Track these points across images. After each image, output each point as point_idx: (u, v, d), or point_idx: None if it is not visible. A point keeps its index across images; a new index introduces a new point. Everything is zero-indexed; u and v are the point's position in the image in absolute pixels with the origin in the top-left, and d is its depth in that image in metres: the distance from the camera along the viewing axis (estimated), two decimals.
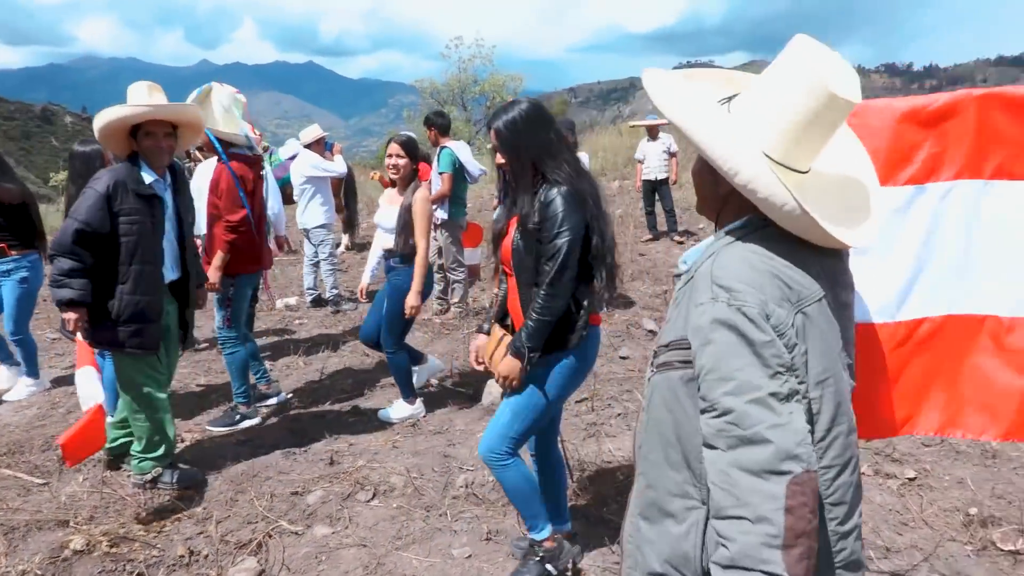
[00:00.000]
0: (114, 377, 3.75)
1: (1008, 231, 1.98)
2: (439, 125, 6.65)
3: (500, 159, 2.67)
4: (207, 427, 4.62)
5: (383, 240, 4.59)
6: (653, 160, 10.36)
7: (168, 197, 3.68)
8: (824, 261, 1.42)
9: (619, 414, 4.64)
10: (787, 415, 1.23)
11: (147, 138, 3.50)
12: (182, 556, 3.21)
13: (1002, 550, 3.17)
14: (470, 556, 3.17)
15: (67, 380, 5.57)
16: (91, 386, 3.29)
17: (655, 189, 10.55)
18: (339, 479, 3.89)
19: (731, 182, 1.34)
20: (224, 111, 4.33)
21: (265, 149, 8.75)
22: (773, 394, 1.23)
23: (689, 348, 1.34)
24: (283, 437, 4.49)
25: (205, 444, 4.44)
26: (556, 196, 2.56)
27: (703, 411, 1.30)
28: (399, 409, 4.74)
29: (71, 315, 3.42)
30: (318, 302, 7.80)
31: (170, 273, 3.73)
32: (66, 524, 3.46)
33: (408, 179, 4.43)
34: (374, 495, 3.72)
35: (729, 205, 1.46)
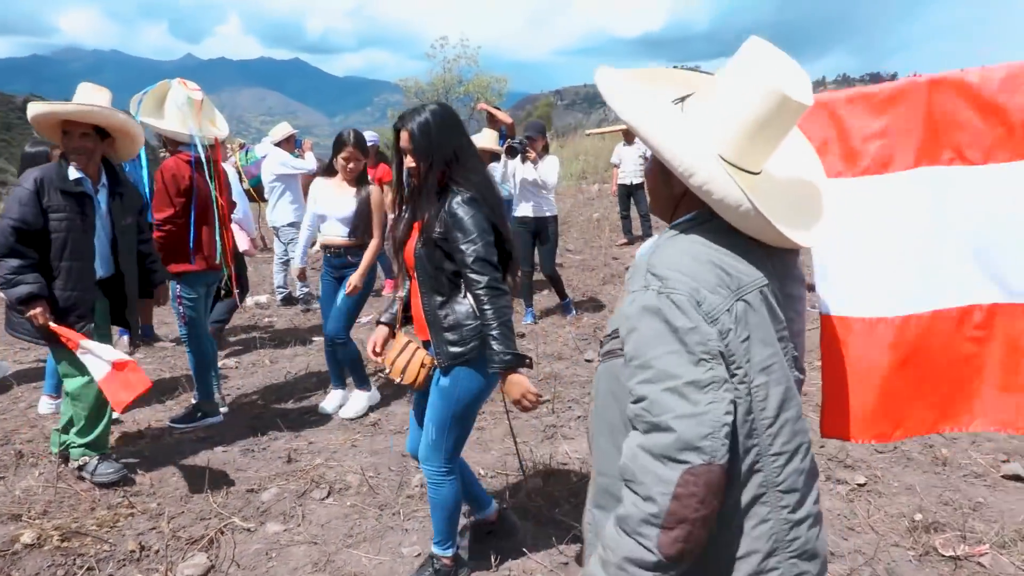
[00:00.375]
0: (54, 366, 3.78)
1: (971, 218, 1.92)
2: None
3: (410, 162, 2.60)
4: (169, 423, 4.61)
5: (334, 230, 4.61)
6: (629, 165, 10.44)
7: (101, 196, 3.72)
8: (773, 253, 1.44)
9: (579, 416, 4.69)
10: (704, 404, 1.25)
11: (64, 137, 3.59)
12: (133, 551, 3.21)
13: (943, 555, 3.23)
14: (419, 555, 3.19)
15: (30, 375, 5.55)
16: (102, 348, 3.39)
17: (630, 193, 10.63)
18: (295, 477, 3.91)
19: (686, 183, 1.36)
20: (177, 109, 4.34)
21: (241, 146, 8.74)
22: (692, 382, 1.25)
23: None
24: (243, 434, 4.50)
25: (166, 440, 4.44)
26: (459, 204, 2.56)
27: (631, 399, 1.34)
28: (355, 402, 4.82)
29: (36, 310, 3.44)
30: (288, 300, 7.80)
31: (99, 270, 3.77)
32: (19, 518, 3.45)
33: (362, 176, 4.57)
34: (329, 493, 3.74)
35: (682, 205, 1.49)
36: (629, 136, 10.46)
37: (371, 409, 4.86)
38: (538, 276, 7.35)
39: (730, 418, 1.26)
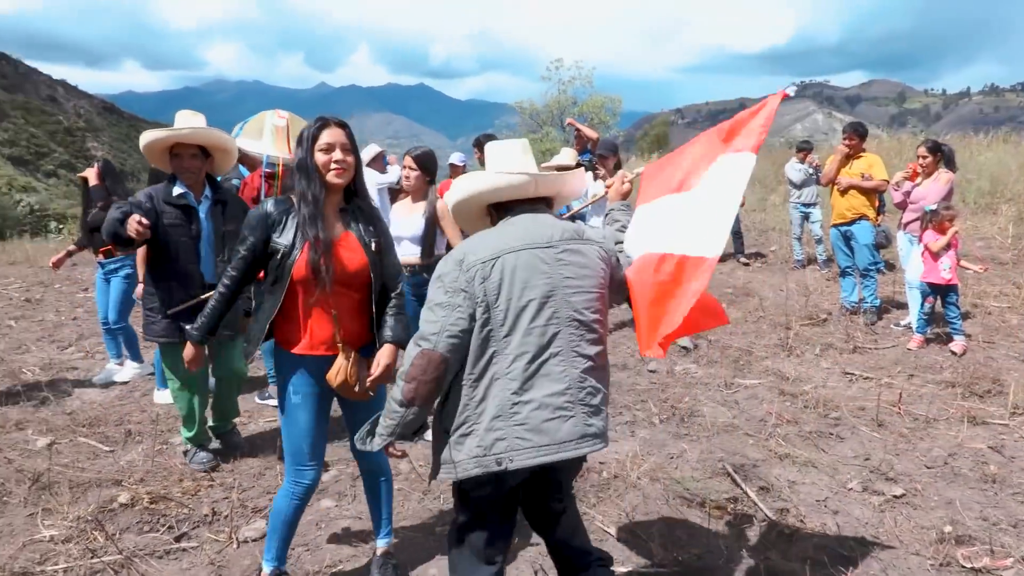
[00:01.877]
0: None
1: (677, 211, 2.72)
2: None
3: (345, 157, 2.83)
4: (256, 399, 5.26)
5: (407, 249, 4.67)
6: None
7: (202, 207, 4.14)
8: (552, 231, 2.29)
9: (627, 422, 4.88)
10: (439, 316, 2.15)
11: (174, 159, 4.05)
12: (206, 515, 3.71)
13: (963, 567, 3.23)
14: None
15: (149, 369, 6.28)
16: None
17: None
18: (355, 463, 4.29)
19: (509, 195, 2.39)
20: (269, 133, 4.94)
21: None
22: (438, 303, 2.18)
23: None
24: None
25: (251, 426, 4.98)
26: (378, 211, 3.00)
27: None
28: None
29: (133, 221, 3.89)
30: None
31: (207, 275, 4.14)
32: (119, 483, 4.04)
33: (421, 190, 4.65)
34: None
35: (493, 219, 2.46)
36: None
37: None
38: None
39: (454, 328, 2.13)
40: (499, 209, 2.43)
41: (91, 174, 5.72)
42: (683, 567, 3.24)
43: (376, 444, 2.27)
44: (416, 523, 3.64)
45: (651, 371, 6.00)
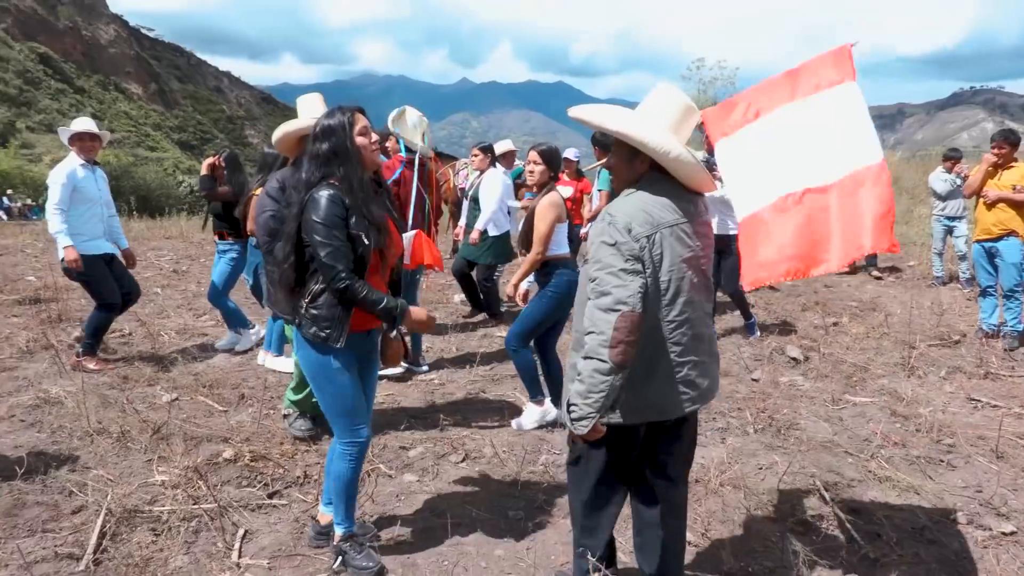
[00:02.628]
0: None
1: (790, 139, 2.84)
2: (602, 144, 7.00)
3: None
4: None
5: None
6: None
7: None
8: (689, 201, 2.45)
9: (719, 428, 4.75)
10: (627, 280, 2.24)
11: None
12: (298, 477, 3.95)
13: None
14: (521, 519, 3.57)
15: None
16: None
17: None
18: (442, 442, 4.46)
19: (658, 157, 2.36)
20: (412, 126, 5.24)
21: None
22: (622, 269, 2.25)
23: None
24: (415, 405, 5.16)
25: None
26: None
27: (590, 280, 2.33)
28: (529, 415, 4.84)
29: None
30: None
31: None
32: (227, 440, 4.36)
33: (542, 185, 4.62)
34: (464, 458, 4.24)
35: (633, 179, 2.48)
36: None
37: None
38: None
39: (642, 291, 2.25)
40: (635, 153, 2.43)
41: (204, 164, 6.21)
42: None
43: (585, 425, 2.27)
44: (490, 505, 3.71)
45: (754, 379, 5.80)
